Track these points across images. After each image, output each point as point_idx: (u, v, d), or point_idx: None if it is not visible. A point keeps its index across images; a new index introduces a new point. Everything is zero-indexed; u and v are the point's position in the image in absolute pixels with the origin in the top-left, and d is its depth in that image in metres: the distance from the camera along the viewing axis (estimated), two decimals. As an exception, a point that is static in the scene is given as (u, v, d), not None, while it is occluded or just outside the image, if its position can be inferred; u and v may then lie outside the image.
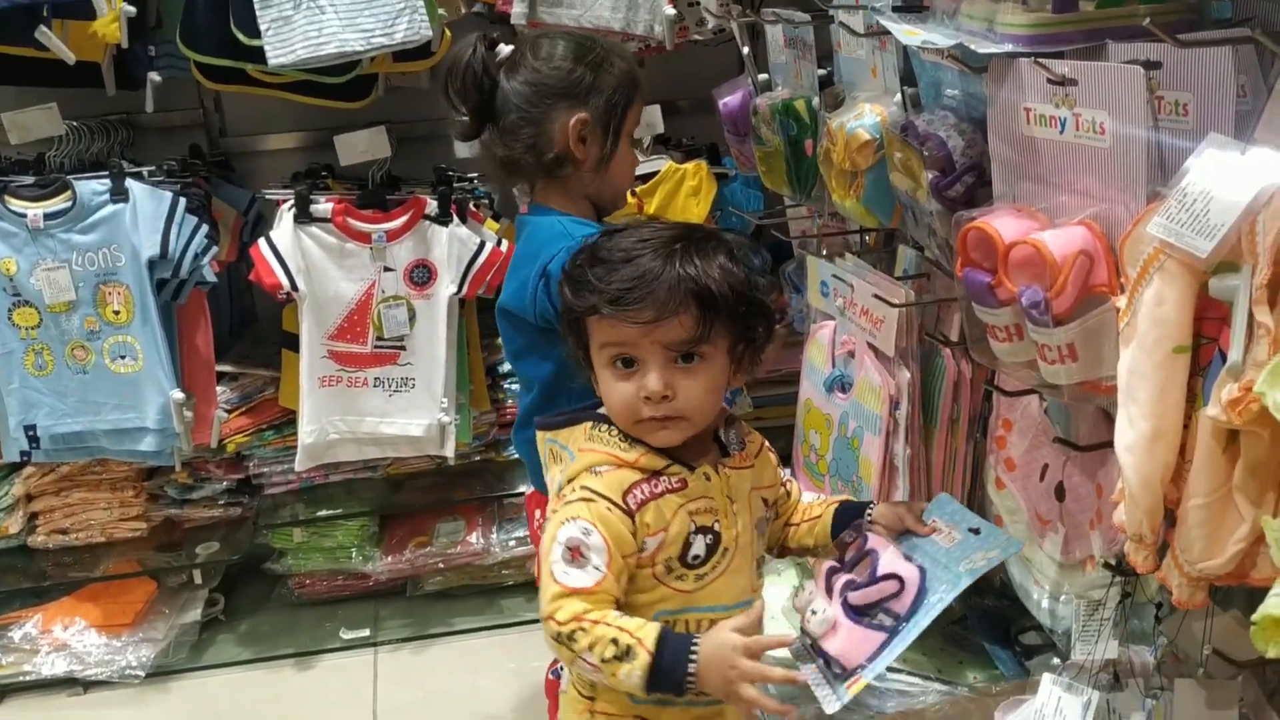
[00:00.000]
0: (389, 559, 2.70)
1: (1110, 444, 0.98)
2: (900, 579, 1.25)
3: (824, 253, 1.95)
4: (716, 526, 1.30)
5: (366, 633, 2.62)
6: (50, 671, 2.49)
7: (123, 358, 2.31)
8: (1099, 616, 1.10)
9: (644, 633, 1.20)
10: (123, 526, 2.62)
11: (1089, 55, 1.07)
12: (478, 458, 2.69)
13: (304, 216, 2.30)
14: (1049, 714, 1.04)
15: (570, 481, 1.28)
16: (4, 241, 2.23)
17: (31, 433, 2.33)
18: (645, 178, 2.51)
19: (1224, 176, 0.83)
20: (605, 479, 1.27)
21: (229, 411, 2.54)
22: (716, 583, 1.30)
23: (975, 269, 1.09)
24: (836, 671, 1.25)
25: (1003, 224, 1.06)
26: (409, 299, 2.39)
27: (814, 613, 1.28)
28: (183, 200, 2.25)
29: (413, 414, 2.44)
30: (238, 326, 2.81)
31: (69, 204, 2.23)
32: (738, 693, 1.17)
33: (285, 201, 2.34)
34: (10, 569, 2.59)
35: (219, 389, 2.49)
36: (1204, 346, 0.89)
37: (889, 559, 1.28)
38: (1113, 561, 1.07)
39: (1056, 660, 1.75)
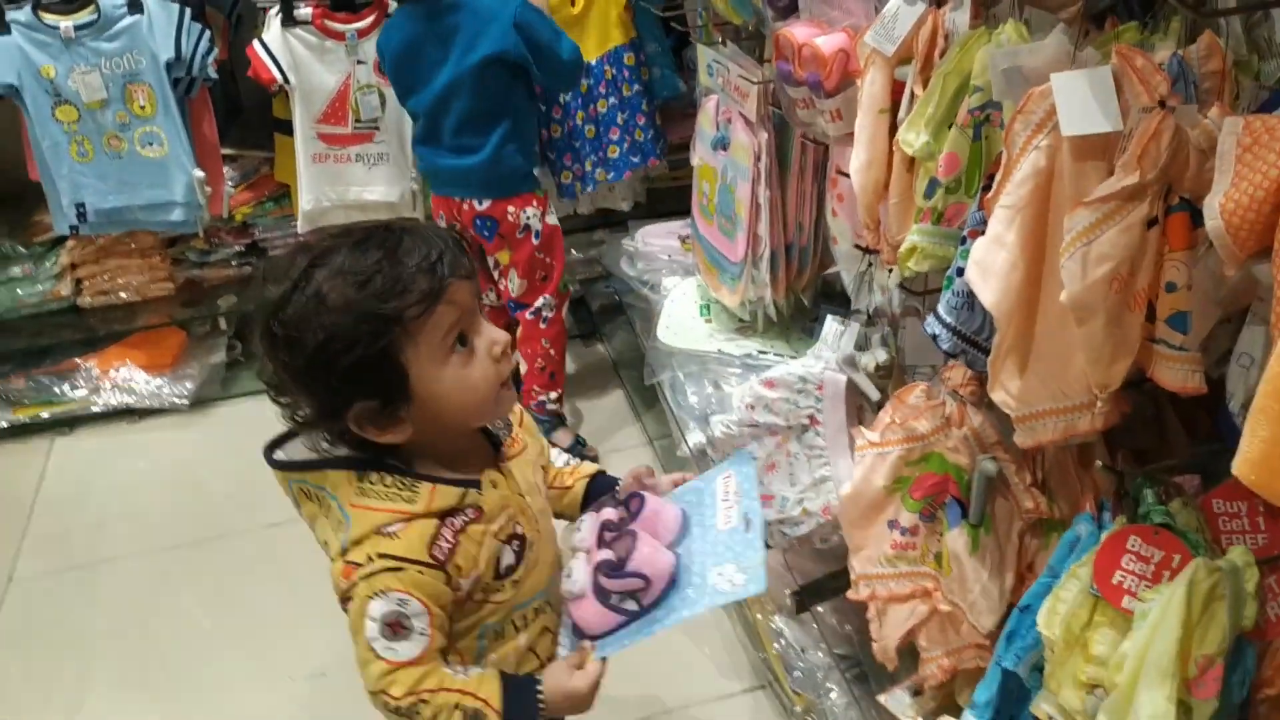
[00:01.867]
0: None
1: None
2: (647, 579, 1.20)
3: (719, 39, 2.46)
4: (519, 529, 1.24)
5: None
6: (111, 403, 3.04)
7: (151, 144, 2.76)
8: (862, 280, 1.74)
9: (486, 690, 1.18)
10: (154, 287, 3.12)
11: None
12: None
13: (289, 21, 2.73)
14: (830, 340, 1.69)
15: (357, 546, 1.15)
16: (42, 50, 2.64)
17: (80, 209, 2.79)
18: (567, -26, 2.95)
19: (903, 5, 1.40)
20: (403, 540, 1.15)
21: (234, 187, 3.01)
22: (531, 575, 1.26)
23: (782, 60, 1.66)
24: (576, 634, 1.27)
25: (797, 32, 1.63)
26: (379, 87, 2.83)
27: (568, 575, 1.25)
28: (187, 10, 2.66)
29: (389, 183, 2.93)
30: (227, 115, 3.20)
31: (94, 16, 2.63)
32: (590, 700, 1.21)
33: (271, 8, 2.76)
34: (66, 325, 3.11)
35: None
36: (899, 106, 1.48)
37: (643, 555, 1.22)
38: (860, 245, 1.70)
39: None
